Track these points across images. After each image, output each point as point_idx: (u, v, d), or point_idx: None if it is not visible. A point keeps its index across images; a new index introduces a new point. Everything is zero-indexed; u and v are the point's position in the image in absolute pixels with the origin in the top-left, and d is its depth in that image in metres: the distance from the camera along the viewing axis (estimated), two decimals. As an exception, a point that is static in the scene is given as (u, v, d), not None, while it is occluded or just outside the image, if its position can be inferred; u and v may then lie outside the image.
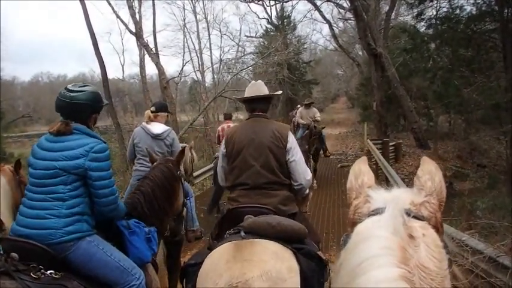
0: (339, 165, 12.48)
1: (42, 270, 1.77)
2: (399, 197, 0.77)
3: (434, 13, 12.55)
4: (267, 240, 1.87)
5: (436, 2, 12.16)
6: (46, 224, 1.84)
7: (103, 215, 2.08)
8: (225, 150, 2.51)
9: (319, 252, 2.11)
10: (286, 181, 2.39)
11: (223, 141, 2.58)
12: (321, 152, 9.17)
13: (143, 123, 3.84)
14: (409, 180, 12.81)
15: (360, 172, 0.90)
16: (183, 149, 3.24)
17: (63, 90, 2.04)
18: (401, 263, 0.58)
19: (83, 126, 2.03)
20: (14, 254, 1.74)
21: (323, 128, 8.88)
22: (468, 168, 13.16)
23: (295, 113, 10.03)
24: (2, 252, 1.81)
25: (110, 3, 15.64)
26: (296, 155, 2.40)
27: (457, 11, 11.46)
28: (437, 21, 12.37)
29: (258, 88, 2.58)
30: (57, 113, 2.07)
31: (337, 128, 24.27)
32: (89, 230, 1.96)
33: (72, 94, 2.00)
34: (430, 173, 0.87)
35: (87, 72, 50.00)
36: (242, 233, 1.96)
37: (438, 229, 0.75)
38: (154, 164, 2.76)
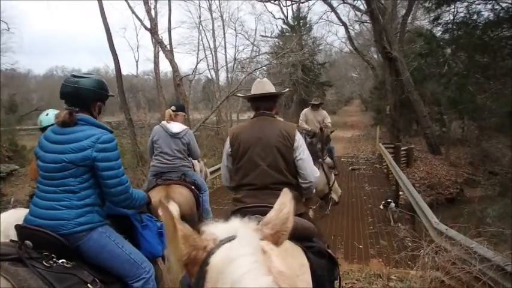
0: (350, 167, 12.52)
1: (54, 259, 1.78)
2: (243, 224, 0.86)
3: (451, 18, 12.43)
4: None
5: (453, 6, 12.05)
6: (58, 215, 1.85)
7: (117, 205, 2.09)
8: (230, 150, 2.44)
9: (329, 250, 2.07)
10: (293, 181, 2.35)
11: (227, 141, 2.51)
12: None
13: (163, 122, 4.04)
14: (419, 186, 12.80)
15: (181, 233, 0.78)
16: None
17: (69, 76, 2.06)
18: (268, 272, 0.69)
19: (88, 116, 2.00)
20: (28, 242, 1.76)
21: (332, 131, 6.56)
22: (480, 175, 13.04)
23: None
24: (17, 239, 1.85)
25: None
26: (303, 153, 2.37)
27: (475, 17, 11.37)
28: (454, 26, 12.25)
29: (264, 86, 2.53)
30: (62, 100, 2.03)
31: (349, 130, 24.20)
32: (100, 220, 1.96)
33: (77, 79, 1.99)
34: (281, 204, 0.95)
35: (101, 67, 50.81)
36: None
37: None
38: None
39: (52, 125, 2.13)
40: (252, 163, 2.30)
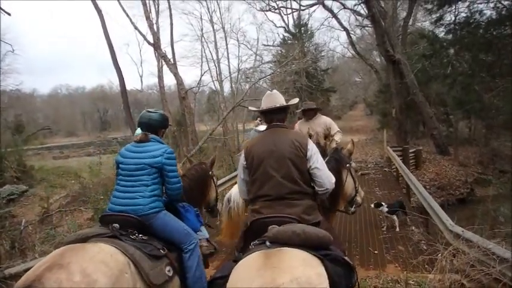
0: (359, 173, 12.42)
1: (136, 234, 2.50)
2: None
3: (453, 18, 12.47)
4: (294, 248, 1.89)
5: (454, 7, 12.10)
6: (136, 202, 2.59)
7: (173, 197, 2.87)
8: (245, 163, 2.53)
9: (346, 257, 2.09)
10: (308, 190, 2.40)
11: (242, 154, 2.60)
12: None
13: None
14: (429, 187, 12.69)
15: None
16: (214, 157, 3.86)
17: (144, 111, 2.92)
18: None
19: (156, 136, 2.86)
20: (116, 224, 2.48)
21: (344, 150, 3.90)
22: (490, 174, 12.90)
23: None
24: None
25: (128, 15, 16.02)
26: (317, 161, 2.42)
27: (477, 16, 11.41)
28: (457, 27, 12.28)
29: (275, 98, 2.59)
30: (138, 127, 2.98)
31: (355, 135, 24.07)
32: (162, 206, 2.72)
33: (149, 114, 2.87)
34: None
35: (105, 83, 51.34)
36: (267, 243, 1.99)
37: None
38: (192, 165, 3.65)
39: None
40: (266, 175, 2.38)
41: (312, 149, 2.44)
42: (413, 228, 5.97)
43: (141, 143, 2.79)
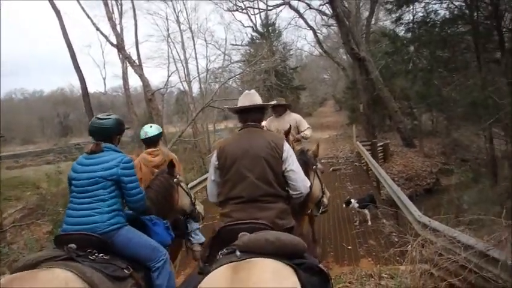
0: (331, 168, 12.70)
1: (96, 254, 2.28)
2: None
3: (412, 18, 13.12)
4: (266, 258, 1.77)
5: (412, 7, 12.72)
6: (93, 219, 2.36)
7: (135, 210, 2.65)
8: (217, 163, 2.39)
9: (321, 265, 1.99)
10: (282, 193, 2.29)
11: (214, 154, 2.47)
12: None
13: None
14: (398, 179, 13.27)
15: None
16: (172, 160, 3.43)
17: (94, 118, 2.66)
18: None
19: (111, 144, 2.61)
20: (72, 245, 2.24)
21: (309, 152, 3.87)
22: (452, 164, 13.67)
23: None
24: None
25: (88, 16, 15.18)
26: (293, 163, 2.32)
27: (432, 15, 12.07)
28: (415, 25, 12.92)
29: (252, 98, 2.48)
30: (90, 136, 2.69)
31: (326, 131, 24.56)
32: (124, 221, 2.51)
33: (100, 121, 2.61)
34: None
35: (66, 87, 49.04)
36: (237, 253, 1.83)
37: None
38: (154, 175, 3.26)
39: (157, 135, 3.61)
40: (239, 175, 2.25)
41: (288, 151, 2.33)
42: (384, 221, 6.18)
43: (93, 154, 2.54)
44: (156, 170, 3.31)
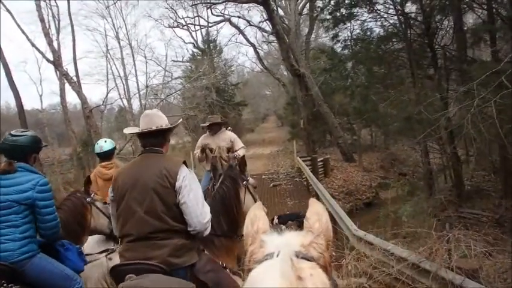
0: (271, 184, 12.47)
1: (5, 284, 2.15)
2: (290, 240, 0.80)
3: (349, 35, 13.45)
4: None
5: (349, 24, 13.04)
6: (5, 247, 2.20)
7: (48, 237, 2.44)
8: (112, 195, 2.15)
9: None
10: (177, 227, 2.02)
11: (111, 185, 2.22)
12: None
13: None
14: (338, 194, 13.27)
15: (256, 218, 0.90)
16: (89, 176, 3.44)
17: (7, 134, 2.44)
18: None
19: (25, 164, 2.40)
20: None
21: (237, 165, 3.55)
22: (391, 178, 14.03)
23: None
24: None
25: (23, 31, 14.84)
26: (188, 194, 2.04)
27: (368, 33, 12.43)
28: (352, 42, 13.26)
29: (151, 119, 2.17)
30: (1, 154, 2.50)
31: (268, 147, 24.57)
32: (37, 249, 2.36)
33: (14, 138, 2.39)
34: (317, 214, 0.90)
35: (2, 104, 45.28)
36: None
37: (327, 268, 0.78)
38: (68, 194, 3.21)
39: (112, 149, 3.85)
40: (128, 209, 2.01)
41: (184, 180, 2.04)
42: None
43: (5, 175, 2.31)
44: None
